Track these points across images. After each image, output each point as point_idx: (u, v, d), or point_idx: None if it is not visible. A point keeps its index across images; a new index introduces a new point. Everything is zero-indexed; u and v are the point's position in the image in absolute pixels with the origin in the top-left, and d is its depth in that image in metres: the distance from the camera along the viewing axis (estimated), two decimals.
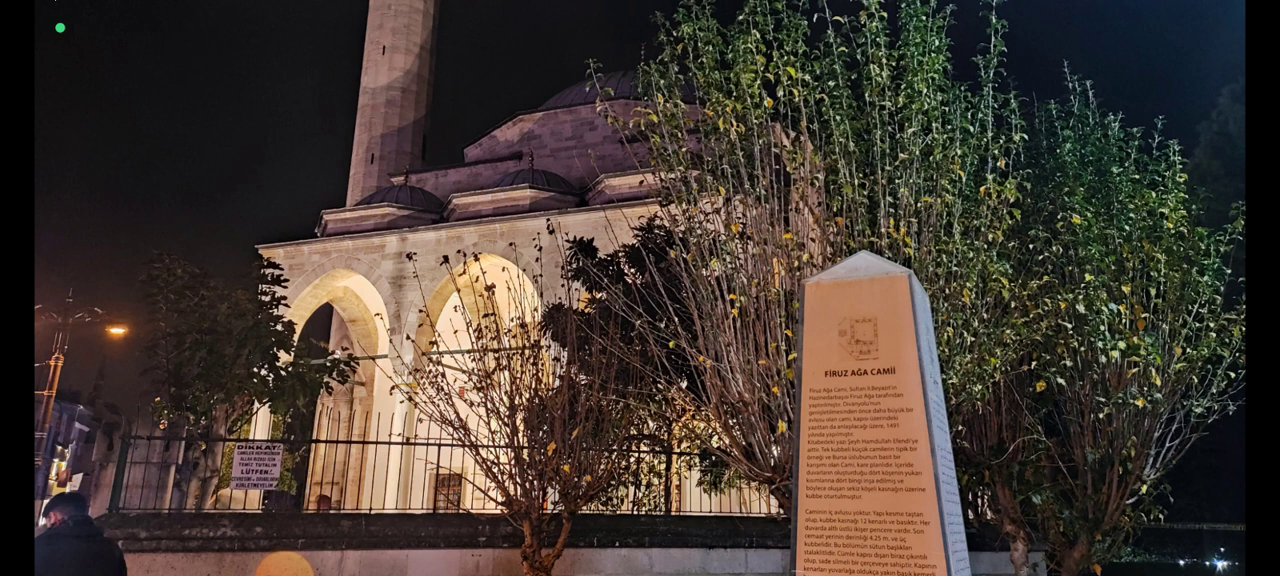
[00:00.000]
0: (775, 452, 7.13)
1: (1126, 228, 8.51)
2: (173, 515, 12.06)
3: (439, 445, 10.76)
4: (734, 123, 7.39)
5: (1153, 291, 8.40)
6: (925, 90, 7.27)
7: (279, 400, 19.94)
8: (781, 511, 7.62)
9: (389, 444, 16.63)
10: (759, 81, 7.42)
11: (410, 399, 9.55)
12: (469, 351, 9.67)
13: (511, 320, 10.08)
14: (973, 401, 7.30)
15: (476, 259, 11.41)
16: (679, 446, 14.55)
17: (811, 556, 3.97)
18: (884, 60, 7.36)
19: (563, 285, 11.40)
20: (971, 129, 7.57)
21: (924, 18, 7.44)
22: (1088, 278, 8.07)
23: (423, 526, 11.15)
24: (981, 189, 7.49)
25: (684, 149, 7.78)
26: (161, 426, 16.20)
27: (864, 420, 4.03)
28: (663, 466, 14.69)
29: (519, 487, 9.22)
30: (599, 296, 13.71)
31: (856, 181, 7.24)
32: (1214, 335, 8.36)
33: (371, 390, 33.75)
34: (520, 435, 9.28)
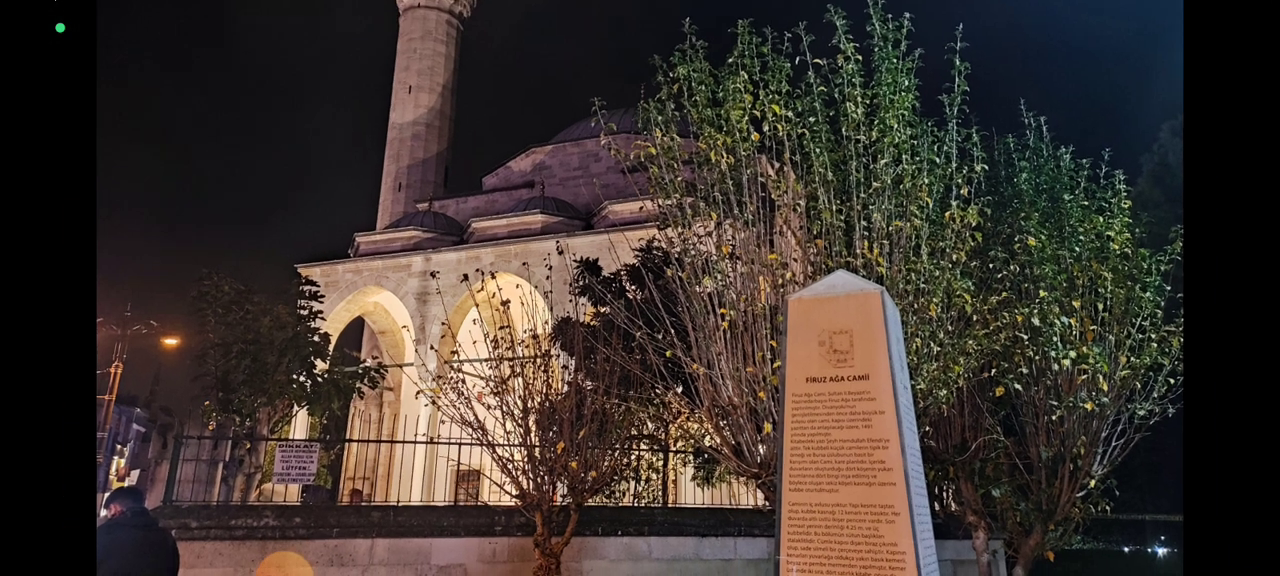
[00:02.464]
0: (761, 451, 7.11)
1: (1077, 249, 8.50)
2: (220, 507, 12.01)
3: (459, 444, 10.70)
4: (724, 155, 7.40)
5: (1100, 306, 8.38)
6: (896, 125, 7.28)
7: (316, 403, 19.96)
8: (767, 503, 7.61)
9: (415, 443, 16.53)
10: (747, 117, 7.43)
11: (433, 403, 9.52)
12: (486, 360, 9.66)
13: (524, 332, 10.06)
14: (938, 405, 7.29)
15: (493, 277, 11.40)
16: (675, 445, 14.51)
17: (794, 544, 3.97)
18: (859, 99, 7.37)
19: (570, 300, 11.41)
20: (938, 160, 7.57)
21: (895, 61, 7.45)
22: (1042, 294, 8.06)
23: (445, 517, 11.10)
24: (946, 214, 7.49)
25: (679, 178, 7.79)
26: (210, 427, 16.20)
27: (841, 421, 4.03)
28: (660, 463, 14.64)
29: (531, 482, 9.19)
30: (603, 310, 13.68)
31: (834, 207, 7.24)
32: (1155, 345, 8.34)
33: (399, 395, 33.69)
34: (532, 435, 9.26)
